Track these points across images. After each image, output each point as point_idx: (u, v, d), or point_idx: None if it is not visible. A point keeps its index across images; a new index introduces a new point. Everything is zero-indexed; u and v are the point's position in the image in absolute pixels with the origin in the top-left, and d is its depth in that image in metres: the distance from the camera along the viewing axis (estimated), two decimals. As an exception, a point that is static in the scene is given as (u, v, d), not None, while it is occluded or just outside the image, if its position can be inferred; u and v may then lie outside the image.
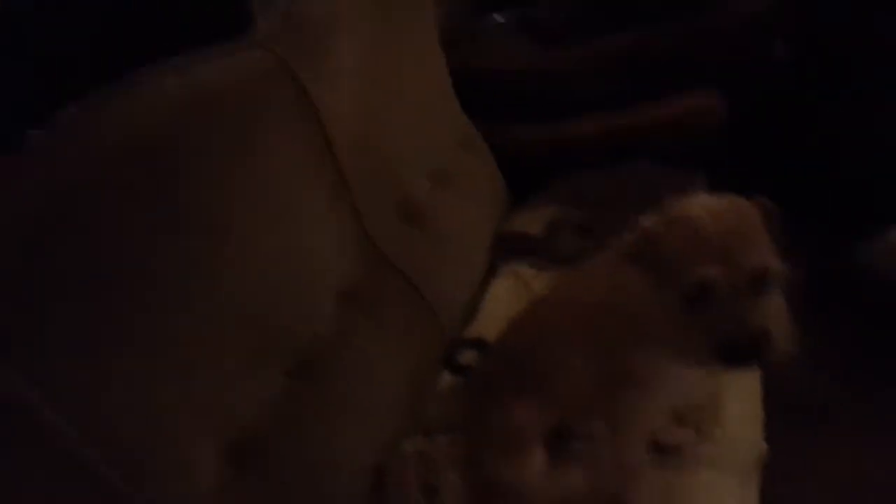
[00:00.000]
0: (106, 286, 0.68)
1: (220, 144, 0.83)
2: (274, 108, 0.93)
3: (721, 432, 0.97)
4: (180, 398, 0.74)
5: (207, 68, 0.85)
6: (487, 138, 1.53)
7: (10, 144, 0.66)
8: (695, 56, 1.61)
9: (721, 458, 0.94)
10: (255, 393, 0.84)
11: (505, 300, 1.29)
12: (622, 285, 0.78)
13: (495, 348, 0.99)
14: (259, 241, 0.88)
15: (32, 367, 0.60)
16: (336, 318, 0.99)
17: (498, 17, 1.75)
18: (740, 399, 1.03)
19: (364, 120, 1.11)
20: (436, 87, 1.40)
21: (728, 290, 0.66)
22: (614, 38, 1.60)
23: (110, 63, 0.85)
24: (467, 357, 1.14)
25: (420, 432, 1.03)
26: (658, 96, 1.48)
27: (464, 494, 0.93)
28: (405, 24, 1.26)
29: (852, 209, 1.74)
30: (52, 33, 1.09)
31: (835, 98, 1.81)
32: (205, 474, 0.75)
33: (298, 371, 0.90)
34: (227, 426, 0.79)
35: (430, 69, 1.37)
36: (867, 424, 1.45)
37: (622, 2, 1.72)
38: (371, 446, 0.97)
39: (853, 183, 1.76)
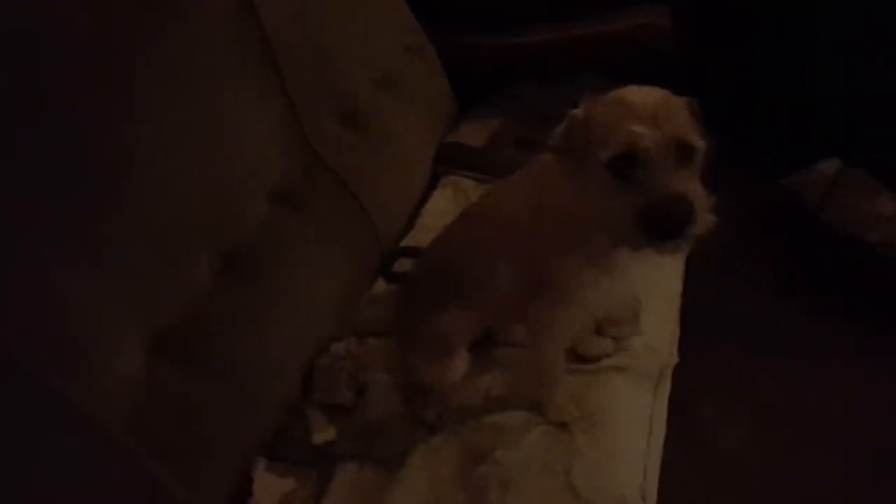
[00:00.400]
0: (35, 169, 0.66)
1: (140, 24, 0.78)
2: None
3: (638, 342, 1.03)
4: (105, 288, 0.73)
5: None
6: (436, 45, 1.48)
7: None
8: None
9: (635, 366, 1.00)
10: (182, 287, 0.83)
11: (444, 211, 1.28)
12: (546, 195, 0.79)
13: (425, 257, 1.00)
14: (188, 128, 0.85)
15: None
16: (268, 217, 0.98)
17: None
18: (659, 311, 1.08)
19: (304, 16, 1.05)
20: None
21: (655, 152, 0.66)
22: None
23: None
24: (403, 265, 1.15)
25: (353, 335, 1.05)
26: (609, 8, 1.45)
27: (391, 393, 0.97)
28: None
29: (790, 140, 1.79)
30: None
31: (788, 26, 1.81)
32: (130, 365, 0.75)
33: (227, 268, 0.89)
34: (151, 319, 0.79)
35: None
36: (768, 345, 1.53)
37: None
38: (301, 346, 0.99)
39: (795, 111, 1.79)
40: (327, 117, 1.14)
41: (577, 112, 0.75)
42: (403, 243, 1.22)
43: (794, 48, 1.81)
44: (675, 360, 1.04)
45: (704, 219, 0.68)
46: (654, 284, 1.11)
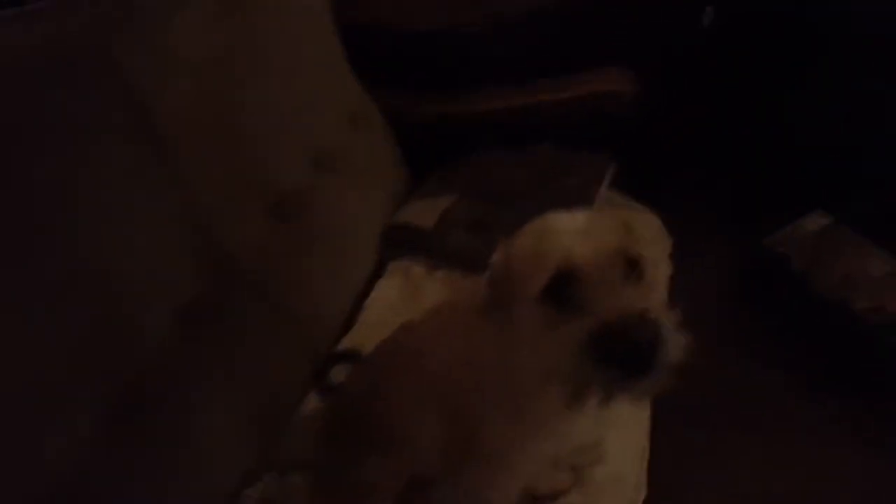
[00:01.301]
0: None
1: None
2: (80, 82, 0.74)
3: (601, 471, 0.90)
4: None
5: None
6: (386, 111, 1.36)
7: None
8: (616, 19, 1.46)
9: (600, 500, 0.87)
10: (71, 441, 0.70)
11: (391, 304, 1.16)
12: (477, 344, 0.66)
13: (350, 384, 0.88)
14: (70, 252, 0.73)
15: None
16: (171, 342, 0.84)
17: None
18: (625, 428, 0.96)
19: (213, 100, 0.92)
20: (321, 49, 1.21)
21: (594, 267, 0.56)
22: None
23: None
24: (339, 374, 1.02)
25: (275, 468, 0.92)
26: (570, 70, 1.34)
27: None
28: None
29: (767, 200, 1.69)
30: None
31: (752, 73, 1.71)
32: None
33: (113, 416, 0.75)
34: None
35: (315, 28, 1.18)
36: (751, 428, 1.43)
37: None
38: (213, 493, 0.86)
39: (777, 166, 1.69)
40: (253, 211, 1.01)
41: (497, 257, 0.62)
42: (343, 344, 1.09)
43: (770, 100, 1.71)
44: (645, 491, 0.91)
45: (675, 339, 0.56)
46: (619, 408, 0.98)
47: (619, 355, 0.53)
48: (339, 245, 1.15)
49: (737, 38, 1.76)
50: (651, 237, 0.64)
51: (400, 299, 1.17)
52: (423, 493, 0.84)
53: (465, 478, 0.71)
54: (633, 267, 0.58)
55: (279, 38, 1.06)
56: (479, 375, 0.67)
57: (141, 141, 0.82)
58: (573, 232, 0.59)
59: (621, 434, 0.94)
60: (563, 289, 0.56)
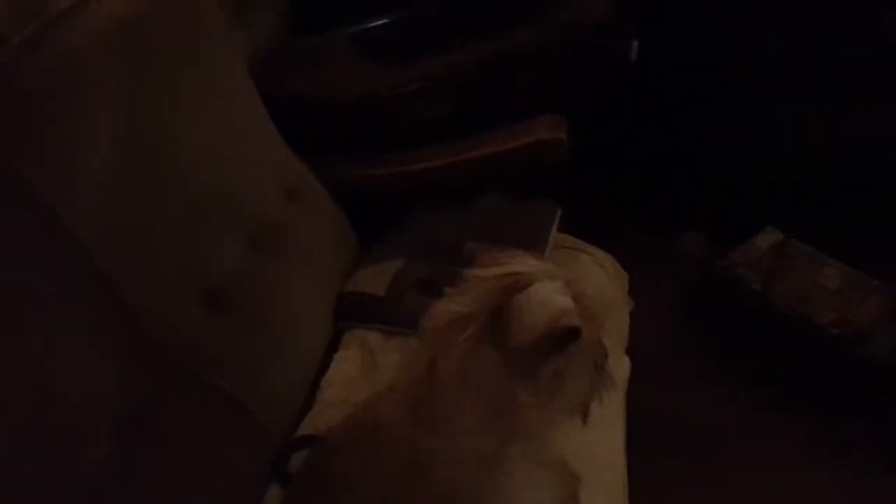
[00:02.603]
0: None
1: None
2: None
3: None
4: None
5: None
6: (327, 179, 1.34)
7: None
8: (544, 66, 1.49)
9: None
10: None
11: (348, 379, 1.12)
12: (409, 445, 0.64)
13: (305, 475, 0.83)
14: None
15: None
16: (112, 456, 0.78)
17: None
18: (602, 483, 0.93)
19: (130, 198, 0.88)
20: (246, 129, 1.18)
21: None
22: (456, 54, 1.44)
23: None
24: (300, 461, 0.97)
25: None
26: (507, 119, 1.35)
27: None
28: (188, 63, 1.02)
29: (718, 220, 1.71)
30: None
31: (690, 105, 1.76)
32: None
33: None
34: None
35: (235, 110, 1.15)
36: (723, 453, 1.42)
37: (463, 15, 1.57)
38: None
39: (716, 193, 1.72)
40: (185, 305, 0.95)
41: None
42: (301, 430, 1.04)
43: (704, 126, 1.75)
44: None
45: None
46: (592, 448, 0.95)
47: None
48: (287, 325, 1.11)
49: (665, 69, 1.81)
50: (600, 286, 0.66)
51: (360, 372, 1.12)
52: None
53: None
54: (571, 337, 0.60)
55: (208, 118, 1.04)
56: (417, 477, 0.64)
57: (52, 245, 0.78)
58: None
59: (598, 488, 0.91)
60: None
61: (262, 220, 1.14)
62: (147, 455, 0.83)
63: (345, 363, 1.15)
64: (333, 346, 1.19)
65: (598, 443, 0.96)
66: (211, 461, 0.91)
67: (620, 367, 1.14)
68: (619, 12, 1.70)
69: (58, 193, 0.77)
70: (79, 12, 0.85)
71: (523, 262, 0.65)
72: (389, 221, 1.39)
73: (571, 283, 0.65)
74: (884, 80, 1.59)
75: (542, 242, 1.24)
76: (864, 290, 1.55)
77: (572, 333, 0.58)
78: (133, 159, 0.89)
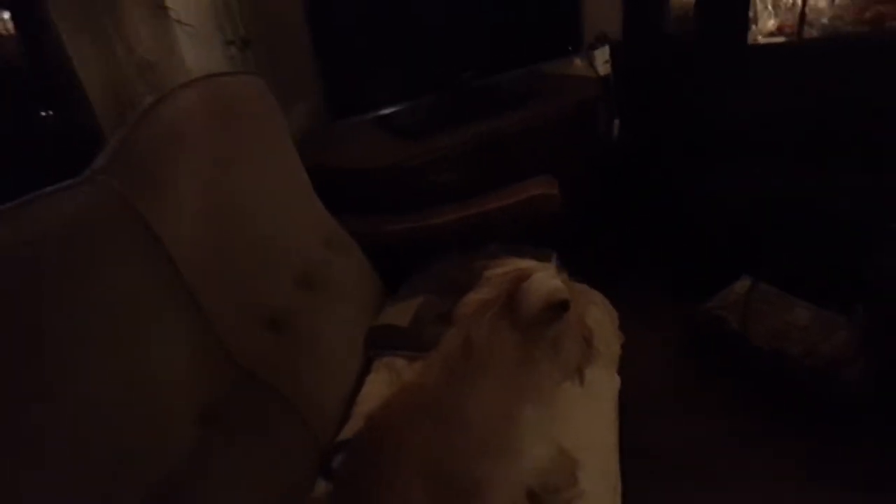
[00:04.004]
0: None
1: (53, 287, 0.82)
2: (111, 239, 0.92)
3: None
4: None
5: (38, 210, 0.85)
6: (355, 234, 1.58)
7: None
8: (536, 142, 1.78)
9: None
10: None
11: (379, 396, 1.30)
12: (447, 397, 0.84)
13: (344, 469, 1.02)
14: (111, 371, 0.86)
15: None
16: (195, 442, 0.96)
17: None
18: (598, 466, 1.09)
19: (212, 236, 1.12)
20: (293, 191, 1.44)
21: None
22: (463, 132, 1.73)
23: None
24: (340, 461, 1.14)
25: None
26: (507, 182, 1.61)
27: None
28: (252, 137, 1.30)
29: (696, 270, 1.93)
30: None
31: (663, 170, 2.03)
32: None
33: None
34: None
35: (286, 175, 1.41)
36: (711, 479, 1.55)
37: (468, 99, 1.87)
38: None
39: (692, 245, 1.96)
40: (252, 325, 1.17)
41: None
42: (341, 436, 1.22)
43: (683, 189, 2.01)
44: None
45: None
46: (589, 439, 1.12)
47: None
48: (328, 350, 1.31)
49: (645, 144, 2.10)
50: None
51: (388, 391, 1.31)
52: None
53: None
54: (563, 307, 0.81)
55: (267, 179, 1.30)
56: (451, 424, 0.84)
57: (156, 265, 1.00)
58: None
59: (595, 470, 1.07)
60: None
61: (306, 263, 1.37)
62: (220, 451, 0.99)
63: (376, 383, 1.33)
64: (365, 371, 1.38)
65: (594, 433, 1.14)
66: (271, 457, 1.08)
67: (611, 382, 1.33)
68: (600, 98, 2.02)
69: (162, 225, 1.00)
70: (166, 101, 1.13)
71: (524, 262, 0.88)
72: (408, 269, 1.62)
73: (561, 278, 0.87)
74: (844, 140, 1.84)
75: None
76: (832, 326, 1.74)
77: (564, 304, 0.80)
78: (216, 205, 1.14)
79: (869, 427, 1.58)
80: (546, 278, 0.81)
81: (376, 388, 1.32)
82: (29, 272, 0.81)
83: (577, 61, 2.08)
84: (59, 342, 0.81)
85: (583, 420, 1.13)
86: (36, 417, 0.76)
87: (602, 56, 2.07)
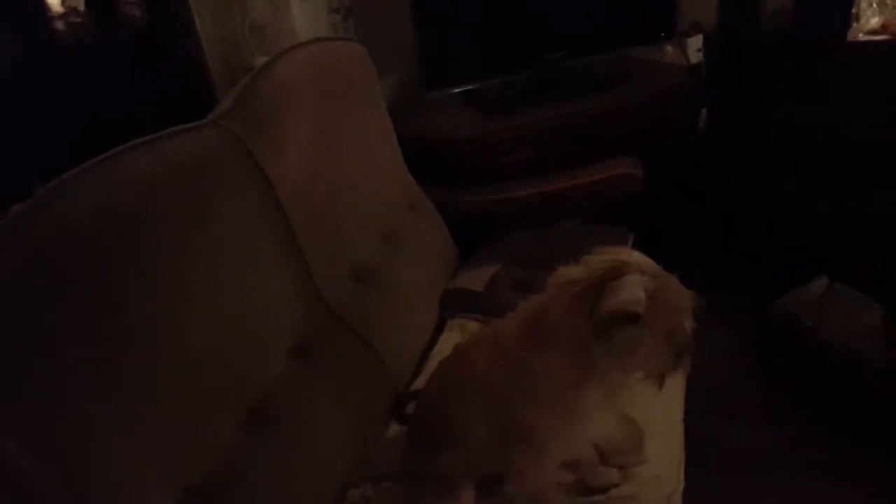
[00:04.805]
0: (77, 342, 0.76)
1: (179, 213, 0.93)
2: (228, 178, 1.02)
3: (644, 470, 1.06)
4: (141, 444, 0.80)
5: (169, 145, 0.95)
6: (436, 201, 1.65)
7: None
8: (621, 126, 1.79)
9: (644, 495, 1.02)
10: (210, 441, 0.90)
11: (451, 353, 1.37)
12: (519, 351, 0.90)
13: (419, 402, 1.09)
14: (215, 299, 0.96)
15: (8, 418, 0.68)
16: (288, 371, 1.06)
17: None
18: (662, 438, 1.12)
19: (314, 187, 1.21)
20: (385, 155, 1.51)
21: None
22: (547, 112, 1.76)
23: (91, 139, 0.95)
24: (413, 407, 1.21)
25: (369, 479, 1.10)
26: (588, 163, 1.64)
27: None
28: (353, 100, 1.38)
29: (782, 263, 1.90)
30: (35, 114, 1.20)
31: (747, 164, 2.00)
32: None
33: (250, 424, 0.96)
34: (182, 474, 0.85)
35: (379, 139, 1.49)
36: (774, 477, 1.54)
37: (557, 79, 1.90)
38: (322, 494, 1.04)
39: (770, 241, 1.93)
40: (341, 273, 1.26)
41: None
42: (415, 386, 1.29)
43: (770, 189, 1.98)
44: (682, 484, 1.06)
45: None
46: (656, 412, 1.16)
47: None
48: (407, 305, 1.39)
49: (732, 137, 2.07)
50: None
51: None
52: (497, 487, 1.01)
53: (511, 465, 0.91)
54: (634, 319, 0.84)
55: (362, 141, 1.38)
56: (521, 376, 0.89)
57: (270, 219, 1.10)
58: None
59: (659, 441, 1.11)
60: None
61: (391, 223, 1.45)
62: (313, 375, 1.09)
63: (449, 341, 1.40)
64: (439, 330, 1.45)
65: (661, 406, 1.17)
66: (353, 394, 1.16)
67: (681, 377, 1.35)
68: (690, 86, 2.00)
69: (274, 171, 1.10)
70: (279, 61, 1.22)
71: (628, 253, 0.91)
72: (484, 240, 1.67)
73: (657, 276, 0.88)
74: None
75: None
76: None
77: (635, 317, 0.82)
78: (319, 159, 1.23)
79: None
80: (632, 286, 0.82)
81: (450, 346, 1.39)
82: (163, 195, 0.91)
83: (669, 48, 2.07)
84: (176, 267, 0.90)
85: (650, 397, 1.15)
86: (146, 335, 0.84)
87: (695, 45, 2.05)
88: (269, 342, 1.06)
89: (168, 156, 0.93)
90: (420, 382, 1.30)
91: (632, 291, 0.83)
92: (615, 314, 0.82)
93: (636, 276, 0.84)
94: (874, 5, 2.07)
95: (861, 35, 2.02)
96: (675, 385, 1.26)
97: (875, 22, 2.06)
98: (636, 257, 0.90)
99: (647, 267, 0.88)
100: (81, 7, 1.39)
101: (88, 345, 0.77)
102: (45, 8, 1.34)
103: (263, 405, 1.00)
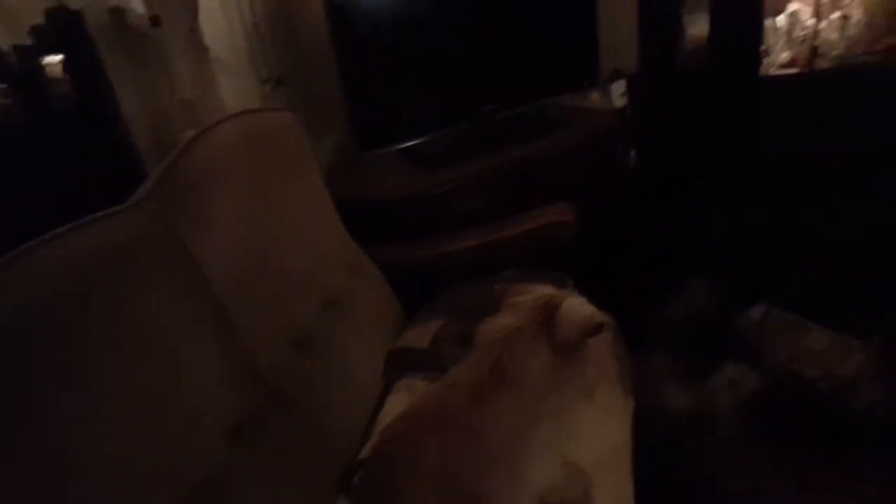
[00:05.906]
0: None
1: (91, 314, 0.89)
2: (149, 263, 1.00)
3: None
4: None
5: (84, 236, 0.92)
6: (381, 259, 1.65)
7: None
8: (556, 171, 1.84)
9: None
10: None
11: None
12: (465, 414, 0.89)
13: (365, 473, 1.07)
14: (143, 388, 0.93)
15: None
16: (224, 458, 1.02)
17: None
18: (611, 485, 1.12)
19: (246, 261, 1.20)
20: (320, 220, 1.52)
21: None
22: (485, 162, 1.80)
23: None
24: (359, 478, 1.19)
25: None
26: (530, 209, 1.67)
27: None
28: (283, 169, 1.39)
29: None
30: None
31: (679, 196, 2.07)
32: None
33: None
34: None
35: (313, 205, 1.50)
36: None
37: (491, 131, 1.96)
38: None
39: (707, 272, 1.99)
40: (279, 344, 1.24)
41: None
42: (363, 453, 1.27)
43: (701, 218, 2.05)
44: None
45: None
46: (603, 457, 1.16)
47: None
48: (351, 371, 1.37)
49: (660, 173, 2.15)
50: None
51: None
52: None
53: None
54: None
55: (297, 209, 1.38)
56: (465, 439, 0.89)
57: (191, 284, 1.08)
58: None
59: (608, 489, 1.10)
60: None
61: (331, 289, 1.45)
62: (250, 458, 1.06)
63: (396, 404, 1.39)
64: (386, 392, 1.44)
65: (609, 452, 1.17)
66: (296, 473, 1.13)
67: (626, 402, 1.36)
68: (616, 128, 2.08)
69: (200, 249, 1.09)
70: (205, 136, 1.22)
71: (547, 289, 0.94)
72: (429, 294, 1.68)
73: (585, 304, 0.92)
74: (857, 169, 1.87)
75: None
76: (848, 351, 1.75)
77: (599, 327, 0.85)
78: (250, 232, 1.22)
79: (885, 451, 1.57)
80: (579, 304, 0.87)
81: (396, 409, 1.37)
82: (78, 291, 0.88)
83: (595, 95, 2.15)
84: (98, 356, 0.87)
85: (597, 439, 1.16)
86: (73, 424, 0.81)
87: (618, 90, 2.14)
88: (202, 425, 1.03)
89: (82, 250, 0.91)
90: (367, 450, 1.28)
91: (583, 308, 0.86)
92: (583, 333, 0.85)
93: (574, 297, 0.88)
94: (783, 41, 2.21)
95: (773, 69, 2.14)
96: (622, 427, 1.26)
97: (785, 56, 2.20)
98: (555, 290, 0.93)
99: (569, 293, 0.91)
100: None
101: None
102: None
103: (197, 495, 0.95)
